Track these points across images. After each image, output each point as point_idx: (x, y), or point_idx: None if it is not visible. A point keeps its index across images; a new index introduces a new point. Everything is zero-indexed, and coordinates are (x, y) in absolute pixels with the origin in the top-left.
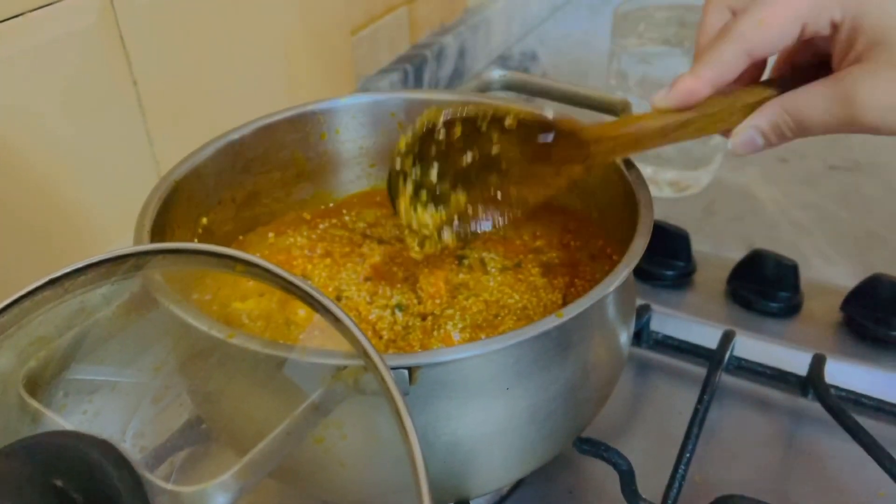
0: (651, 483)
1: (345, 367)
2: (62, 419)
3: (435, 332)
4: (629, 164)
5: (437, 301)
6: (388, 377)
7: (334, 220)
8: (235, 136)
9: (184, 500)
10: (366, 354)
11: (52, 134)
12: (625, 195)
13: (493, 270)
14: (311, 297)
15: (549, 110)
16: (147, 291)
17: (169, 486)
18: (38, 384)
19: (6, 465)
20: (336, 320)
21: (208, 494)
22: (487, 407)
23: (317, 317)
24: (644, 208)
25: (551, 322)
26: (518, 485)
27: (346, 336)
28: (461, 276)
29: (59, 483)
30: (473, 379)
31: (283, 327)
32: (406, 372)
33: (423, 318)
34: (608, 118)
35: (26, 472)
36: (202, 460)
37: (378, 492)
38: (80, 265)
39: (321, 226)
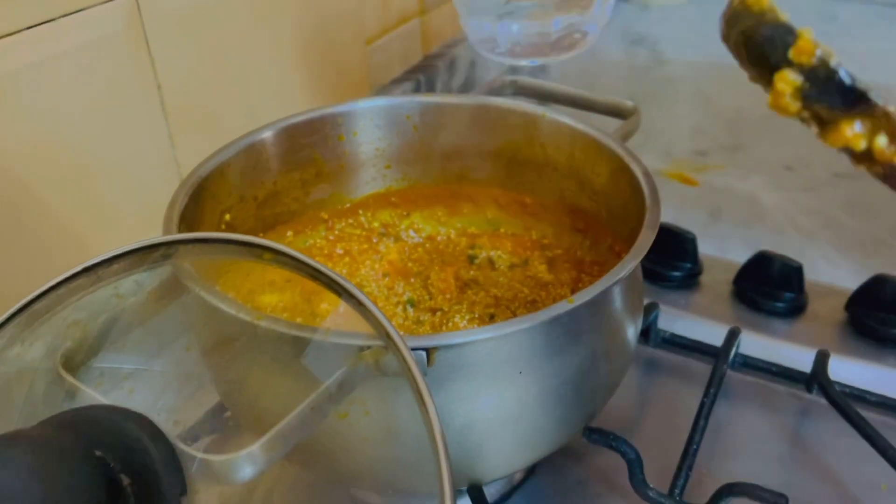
0: (659, 474)
1: (367, 348)
2: (99, 396)
3: (443, 327)
4: (635, 160)
5: (448, 296)
6: (409, 357)
7: (351, 220)
8: (258, 136)
9: (214, 468)
10: (387, 335)
11: (77, 136)
12: (632, 192)
13: (502, 267)
14: (335, 282)
15: None
16: (176, 279)
17: (200, 455)
18: (72, 366)
19: (51, 433)
20: (359, 304)
21: (237, 463)
22: (500, 390)
23: (340, 306)
24: (651, 202)
25: (563, 307)
26: (528, 475)
27: (368, 319)
28: (472, 272)
29: (98, 453)
30: (487, 362)
31: (309, 319)
32: (424, 353)
33: (434, 312)
34: (616, 122)
35: (69, 441)
36: (228, 442)
37: (398, 469)
38: (112, 254)
39: (338, 225)
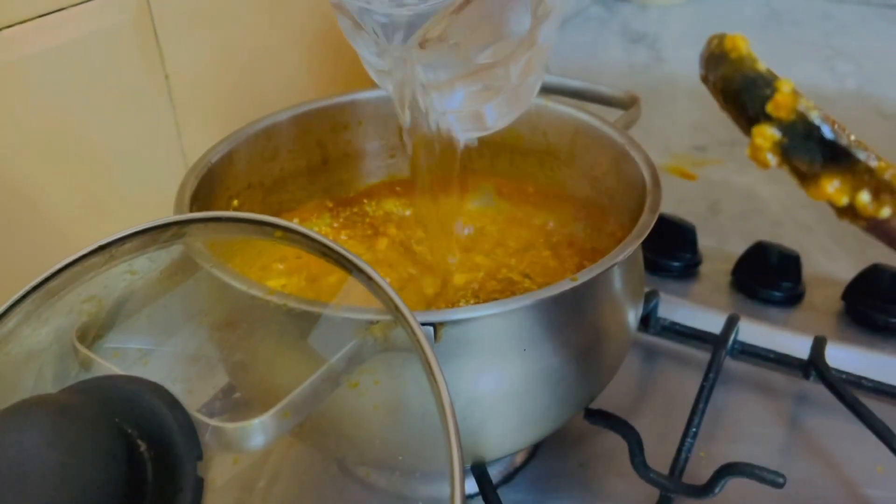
0: (659, 457)
1: (376, 322)
2: (114, 367)
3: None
4: (636, 147)
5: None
6: (418, 330)
7: (355, 209)
8: (266, 123)
9: (228, 435)
10: (396, 309)
11: (85, 126)
12: (634, 179)
13: (507, 253)
14: (345, 258)
15: None
16: (188, 258)
17: (215, 423)
18: (87, 340)
19: (70, 399)
20: (368, 278)
21: (250, 431)
22: (504, 367)
23: (345, 285)
24: (652, 185)
25: (567, 284)
26: (531, 457)
27: (377, 293)
28: (477, 259)
29: (116, 419)
30: (492, 339)
31: None
32: (432, 329)
33: (437, 295)
34: (616, 114)
35: (88, 407)
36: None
37: (404, 444)
38: (125, 233)
39: (343, 214)
